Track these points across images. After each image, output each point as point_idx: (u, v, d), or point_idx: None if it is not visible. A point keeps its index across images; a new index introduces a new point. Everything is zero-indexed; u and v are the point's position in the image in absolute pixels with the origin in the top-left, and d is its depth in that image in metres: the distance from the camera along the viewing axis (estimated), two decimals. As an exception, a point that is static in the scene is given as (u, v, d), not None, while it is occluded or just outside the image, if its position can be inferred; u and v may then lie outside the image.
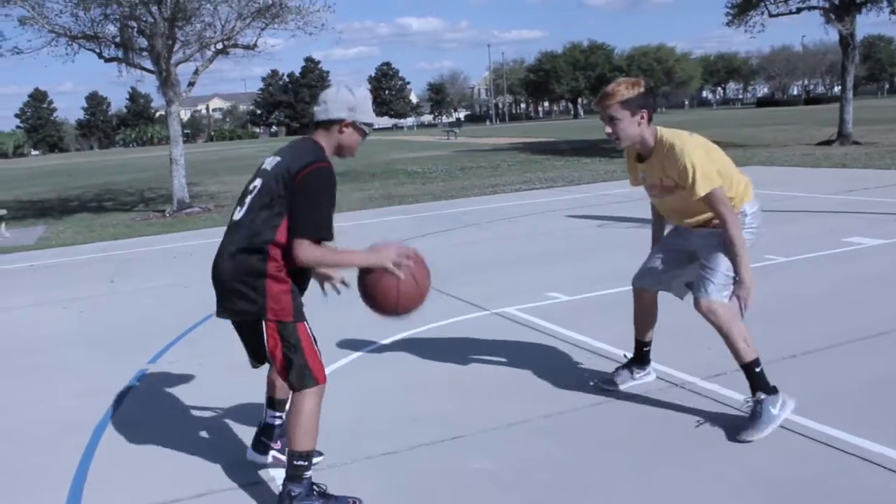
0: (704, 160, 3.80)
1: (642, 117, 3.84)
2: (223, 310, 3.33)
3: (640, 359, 4.58)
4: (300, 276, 3.30)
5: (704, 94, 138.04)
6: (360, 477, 3.70)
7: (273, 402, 3.79)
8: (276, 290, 3.17)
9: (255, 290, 3.16)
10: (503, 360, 5.21)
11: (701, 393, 4.41)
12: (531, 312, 6.32)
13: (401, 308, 3.36)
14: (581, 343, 5.45)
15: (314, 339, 3.34)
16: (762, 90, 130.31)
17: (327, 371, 5.15)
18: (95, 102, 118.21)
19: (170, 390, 5.11)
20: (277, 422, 3.79)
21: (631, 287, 4.50)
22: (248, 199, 3.29)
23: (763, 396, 3.83)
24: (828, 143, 23.38)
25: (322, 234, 3.16)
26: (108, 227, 14.61)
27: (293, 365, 3.25)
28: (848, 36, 23.60)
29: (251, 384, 5.05)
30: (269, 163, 3.34)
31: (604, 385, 4.56)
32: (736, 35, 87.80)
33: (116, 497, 3.65)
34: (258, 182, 3.29)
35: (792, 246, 8.06)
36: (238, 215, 3.31)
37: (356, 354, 5.53)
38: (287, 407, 3.52)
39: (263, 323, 3.20)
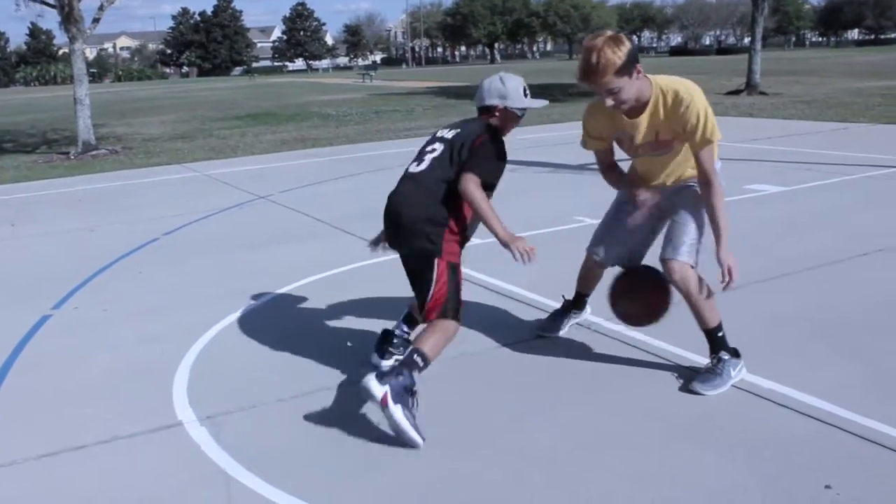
0: (709, 108, 3.55)
1: (638, 72, 3.43)
2: (403, 246, 3.82)
3: (580, 306, 4.56)
4: (465, 232, 3.82)
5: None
6: (271, 420, 3.70)
7: (410, 320, 4.23)
8: (450, 238, 3.70)
9: (436, 236, 3.67)
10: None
11: (607, 334, 4.53)
12: (443, 256, 6.35)
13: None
14: (492, 286, 5.52)
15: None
16: (676, 39, 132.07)
17: (241, 313, 5.16)
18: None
19: (73, 336, 5.00)
20: (405, 336, 4.24)
21: (583, 247, 4.29)
22: (427, 157, 3.80)
23: (727, 357, 3.81)
24: (736, 92, 23.90)
25: (489, 179, 3.71)
26: (7, 170, 14.04)
27: (450, 298, 3.68)
28: (758, -13, 24.02)
29: (155, 330, 4.99)
30: (447, 133, 3.86)
31: (541, 332, 4.55)
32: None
33: (19, 445, 3.57)
34: (438, 146, 3.81)
35: (698, 192, 8.26)
36: (416, 169, 3.81)
37: (267, 297, 5.49)
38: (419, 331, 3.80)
39: (436, 262, 3.67)
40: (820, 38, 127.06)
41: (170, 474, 3.28)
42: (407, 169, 3.89)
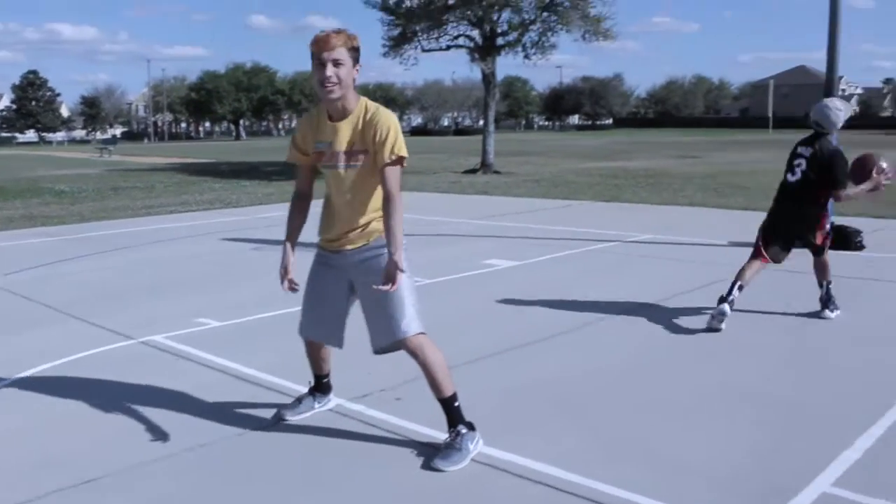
0: (401, 134, 3.80)
1: (357, 71, 3.77)
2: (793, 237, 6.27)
3: (322, 388, 4.52)
4: None
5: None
6: (-24, 532, 3.32)
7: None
8: (826, 226, 6.21)
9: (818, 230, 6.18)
10: (148, 392, 4.95)
11: (348, 415, 4.50)
12: (180, 340, 6.09)
13: None
14: (230, 370, 5.34)
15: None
16: (417, 120, 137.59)
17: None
18: None
19: None
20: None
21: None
22: (799, 170, 6.07)
23: (464, 431, 3.89)
24: (473, 171, 25.22)
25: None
26: None
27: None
28: (490, 74, 25.75)
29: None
30: (804, 151, 6.10)
31: (284, 413, 4.43)
32: (393, 66, 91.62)
33: None
34: (802, 161, 6.07)
35: (436, 268, 8.53)
36: (792, 178, 6.14)
37: (-22, 394, 4.97)
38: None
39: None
40: (546, 122, 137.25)
41: None
42: (785, 177, 6.23)
